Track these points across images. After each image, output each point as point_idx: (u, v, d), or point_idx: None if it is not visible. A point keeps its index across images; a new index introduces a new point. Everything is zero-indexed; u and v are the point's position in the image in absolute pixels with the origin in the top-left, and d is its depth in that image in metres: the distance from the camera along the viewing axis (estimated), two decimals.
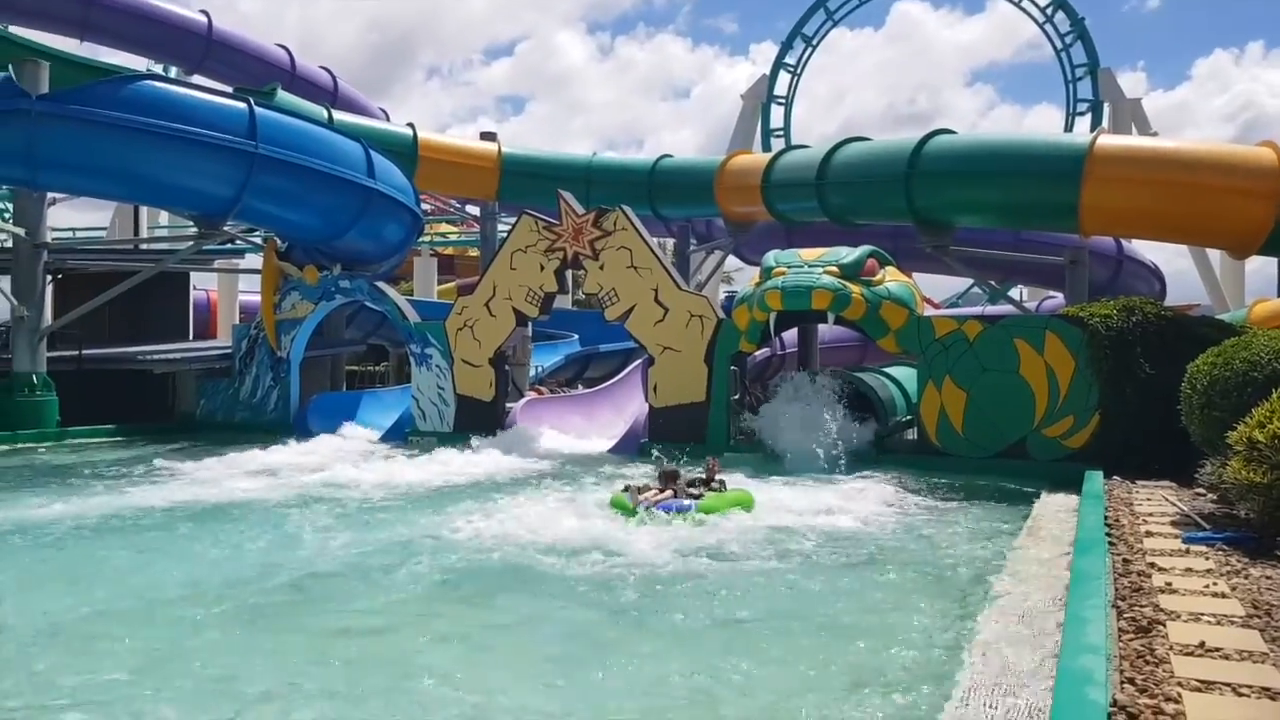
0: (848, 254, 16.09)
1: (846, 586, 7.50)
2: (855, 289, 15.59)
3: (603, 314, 19.27)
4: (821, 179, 21.26)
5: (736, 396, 17.56)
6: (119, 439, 21.07)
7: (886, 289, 15.91)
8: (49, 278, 21.59)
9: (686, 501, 10.18)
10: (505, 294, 19.64)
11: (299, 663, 5.69)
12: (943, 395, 15.41)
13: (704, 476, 11.25)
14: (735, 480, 11.82)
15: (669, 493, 10.39)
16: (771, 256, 16.84)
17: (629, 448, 18.02)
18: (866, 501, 11.74)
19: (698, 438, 17.07)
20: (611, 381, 22.37)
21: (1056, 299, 27.69)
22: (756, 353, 18.74)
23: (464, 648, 6.10)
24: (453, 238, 44.09)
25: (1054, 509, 10.58)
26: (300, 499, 12.15)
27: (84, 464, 16.35)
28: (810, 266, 15.92)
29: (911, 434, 16.81)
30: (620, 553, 8.55)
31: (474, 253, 43.57)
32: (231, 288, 33.48)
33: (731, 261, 33.39)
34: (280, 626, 6.51)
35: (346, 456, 17.27)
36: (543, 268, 19.34)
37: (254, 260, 32.59)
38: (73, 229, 35.57)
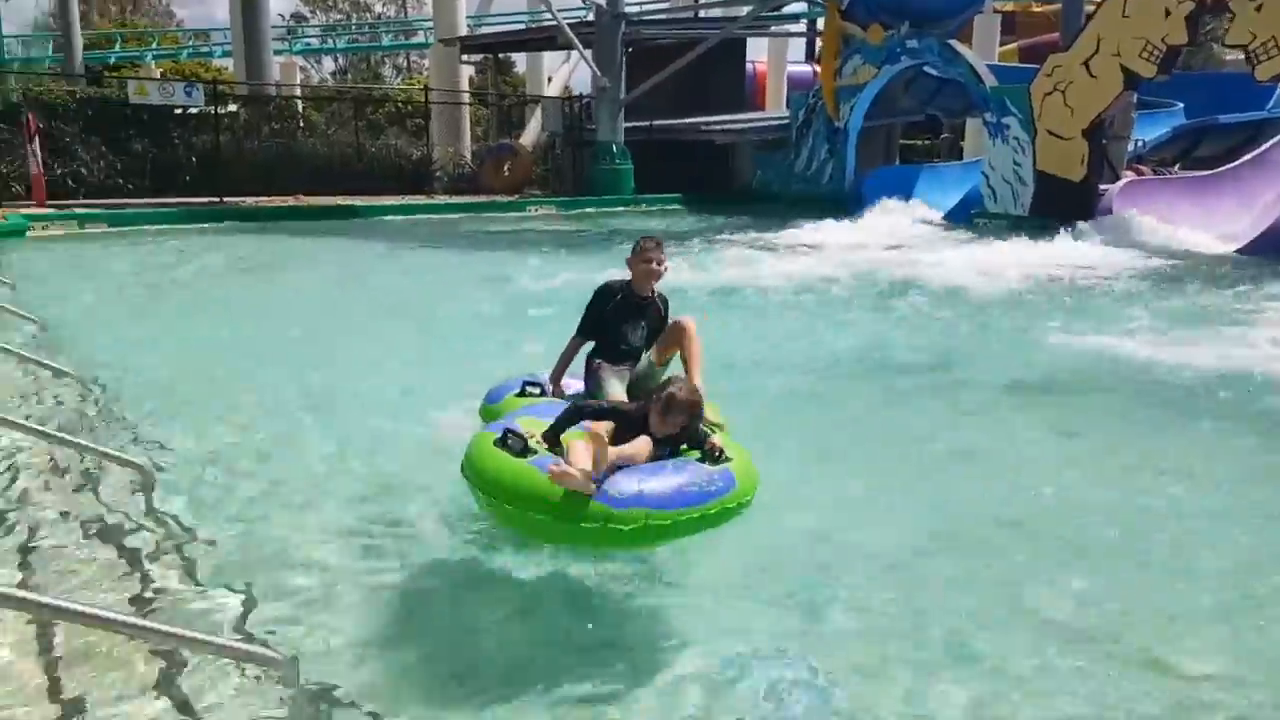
0: None
1: None
2: None
3: (1249, 75, 14.95)
4: None
5: None
6: (683, 207, 21.95)
7: None
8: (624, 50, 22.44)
9: (716, 473, 3.33)
10: (1113, 49, 16.09)
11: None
12: None
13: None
14: None
15: (639, 451, 3.43)
16: None
17: (1267, 249, 14.11)
18: None
19: None
20: (1239, 162, 17.75)
21: None
22: None
23: None
24: None
25: None
26: (865, 282, 11.05)
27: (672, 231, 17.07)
28: None
29: None
30: None
31: (1039, 8, 37.90)
32: (780, 58, 32.83)
33: None
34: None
35: (908, 238, 15.94)
36: (1169, 13, 15.38)
37: (803, 29, 31.48)
38: (638, 1, 37.12)
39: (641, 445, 3.41)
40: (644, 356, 4.40)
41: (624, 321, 4.43)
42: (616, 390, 4.23)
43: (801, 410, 5.75)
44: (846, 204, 19.77)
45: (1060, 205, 16.65)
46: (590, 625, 3.14)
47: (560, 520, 3.09)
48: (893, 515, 4.07)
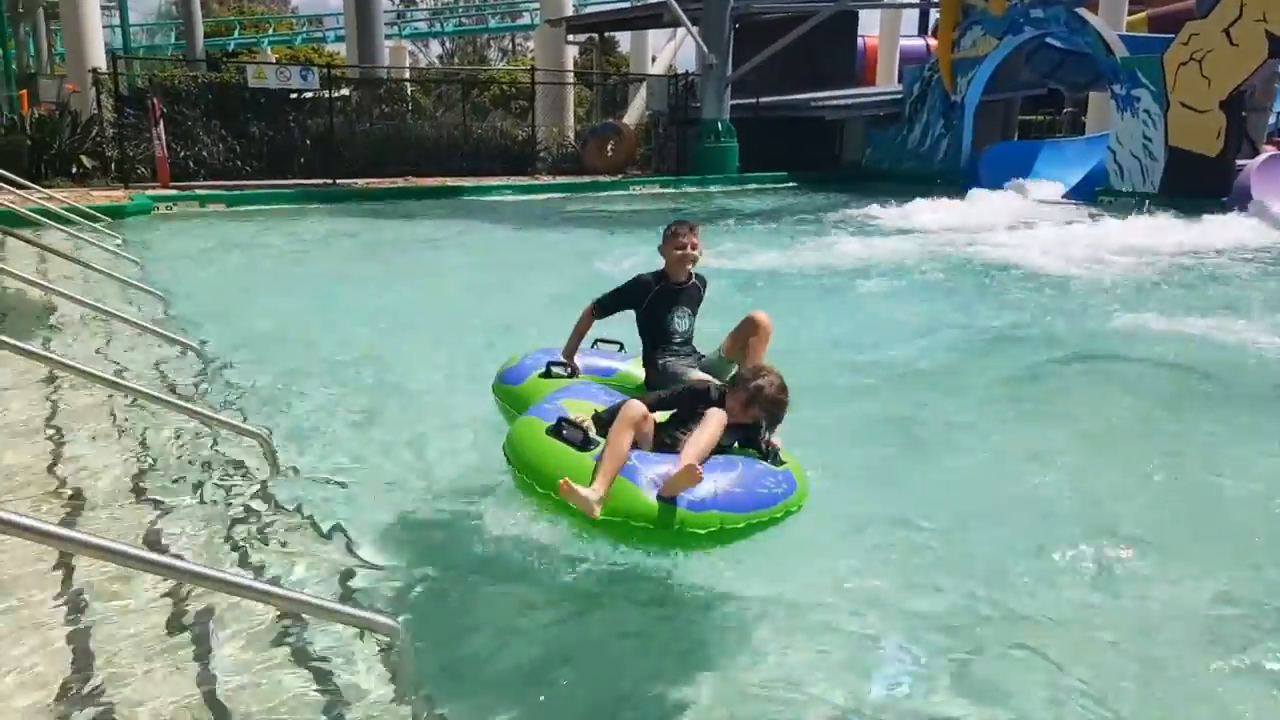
0: None
1: None
2: None
3: None
4: None
5: None
6: (789, 185, 21.49)
7: None
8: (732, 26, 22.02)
9: (781, 475, 3.25)
10: (1257, 13, 14.99)
11: None
12: None
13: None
14: None
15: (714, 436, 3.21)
16: None
17: None
18: None
19: None
20: None
21: None
22: None
23: None
24: None
25: None
26: (970, 266, 10.54)
27: (774, 210, 16.72)
28: None
29: None
30: None
31: None
32: (893, 31, 31.82)
33: None
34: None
35: (1025, 217, 15.23)
36: None
37: (916, 0, 30.33)
38: None
39: (716, 424, 3.13)
40: (714, 351, 4.24)
41: (667, 313, 4.24)
42: (699, 376, 4.01)
43: (885, 405, 5.42)
44: (961, 181, 19.04)
45: (1194, 182, 15.70)
46: (671, 621, 3.05)
47: (632, 522, 2.93)
48: (993, 514, 3.85)
